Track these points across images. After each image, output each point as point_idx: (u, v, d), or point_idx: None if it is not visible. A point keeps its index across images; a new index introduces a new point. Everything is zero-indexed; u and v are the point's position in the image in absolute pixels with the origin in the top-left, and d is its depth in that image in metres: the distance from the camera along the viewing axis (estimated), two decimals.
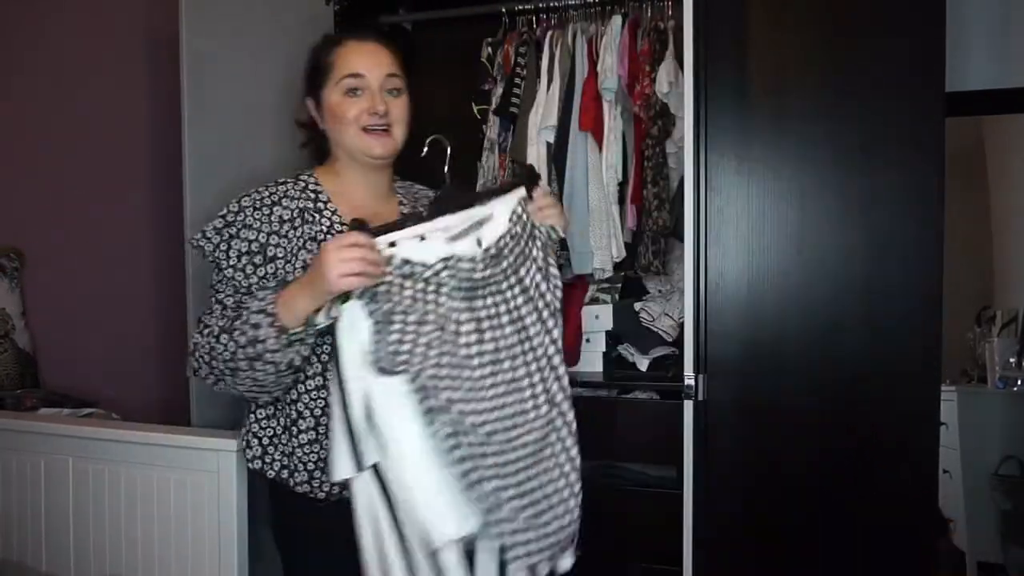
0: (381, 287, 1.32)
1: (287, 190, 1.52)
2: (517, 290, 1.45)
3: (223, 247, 1.46)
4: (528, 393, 1.43)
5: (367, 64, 1.49)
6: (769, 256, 2.13)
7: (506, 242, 1.44)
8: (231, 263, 1.46)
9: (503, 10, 2.51)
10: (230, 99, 2.41)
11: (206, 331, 1.43)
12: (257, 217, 1.47)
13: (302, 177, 1.57)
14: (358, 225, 1.32)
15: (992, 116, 3.59)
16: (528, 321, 1.45)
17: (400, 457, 1.32)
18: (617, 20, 2.38)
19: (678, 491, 2.06)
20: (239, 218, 1.47)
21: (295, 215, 1.49)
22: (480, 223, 1.41)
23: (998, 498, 3.26)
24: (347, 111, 1.49)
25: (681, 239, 2.13)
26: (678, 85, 2.28)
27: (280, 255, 1.47)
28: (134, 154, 2.74)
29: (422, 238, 1.35)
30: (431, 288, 1.36)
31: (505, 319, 1.43)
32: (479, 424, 1.37)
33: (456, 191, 1.48)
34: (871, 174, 2.06)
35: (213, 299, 1.48)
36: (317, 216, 1.51)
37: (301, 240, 1.48)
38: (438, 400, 1.33)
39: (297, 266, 1.46)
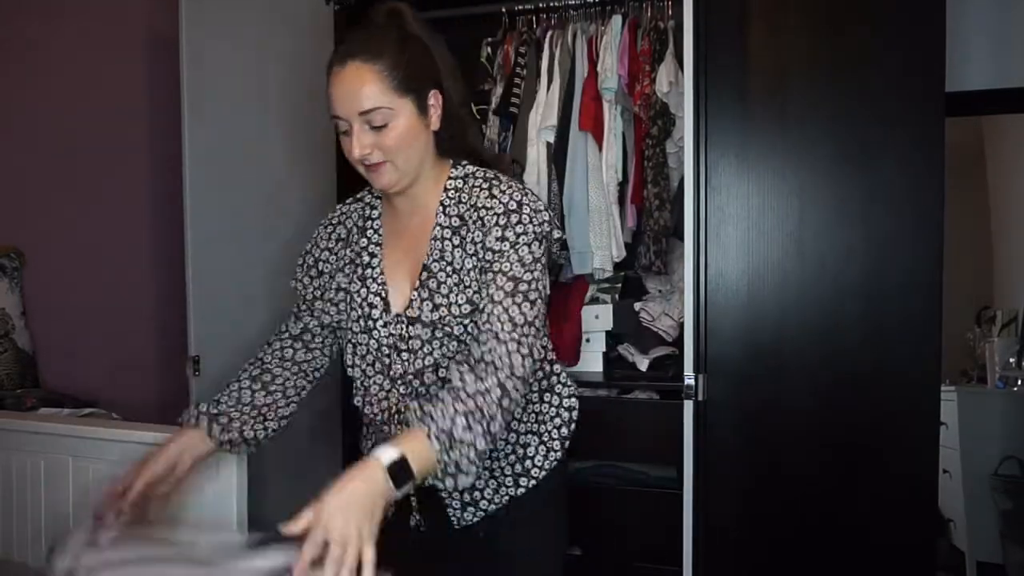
0: None
1: (351, 209, 1.50)
2: None
3: (299, 258, 1.52)
4: None
5: (341, 103, 1.30)
6: (769, 256, 2.13)
7: None
8: (298, 275, 1.51)
9: (503, 10, 2.51)
10: (230, 98, 2.41)
11: (276, 331, 1.52)
12: (322, 236, 1.50)
13: (370, 192, 1.50)
14: None
15: (992, 116, 3.59)
16: None
17: None
18: (617, 20, 2.38)
19: (678, 491, 2.06)
20: (313, 234, 1.52)
21: (347, 234, 1.48)
22: None
23: (998, 498, 3.26)
24: (346, 150, 1.34)
25: (681, 239, 2.13)
26: (678, 85, 2.28)
27: (326, 271, 1.47)
28: (134, 154, 2.74)
29: None
30: None
31: None
32: None
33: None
34: (871, 174, 2.06)
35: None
36: (359, 236, 1.45)
37: (343, 262, 1.46)
38: None
39: (333, 286, 1.45)
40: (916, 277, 2.03)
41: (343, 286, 1.43)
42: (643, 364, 2.43)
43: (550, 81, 2.43)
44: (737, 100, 2.15)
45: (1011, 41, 2.71)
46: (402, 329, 1.35)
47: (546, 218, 1.33)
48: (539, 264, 1.31)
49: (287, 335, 1.51)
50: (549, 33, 2.47)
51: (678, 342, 2.35)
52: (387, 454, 1.11)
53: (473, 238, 1.33)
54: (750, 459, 2.15)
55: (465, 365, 1.23)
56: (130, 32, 2.74)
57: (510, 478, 1.43)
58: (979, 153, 3.97)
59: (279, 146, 2.55)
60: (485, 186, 1.36)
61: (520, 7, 2.49)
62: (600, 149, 2.37)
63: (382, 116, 1.28)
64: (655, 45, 2.35)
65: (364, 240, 1.44)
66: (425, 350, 1.34)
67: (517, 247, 1.29)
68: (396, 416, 1.38)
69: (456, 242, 1.34)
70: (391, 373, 1.37)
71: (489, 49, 2.58)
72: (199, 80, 2.35)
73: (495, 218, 1.31)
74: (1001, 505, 3.24)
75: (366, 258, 1.42)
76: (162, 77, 2.59)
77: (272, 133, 2.54)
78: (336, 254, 1.46)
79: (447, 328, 1.32)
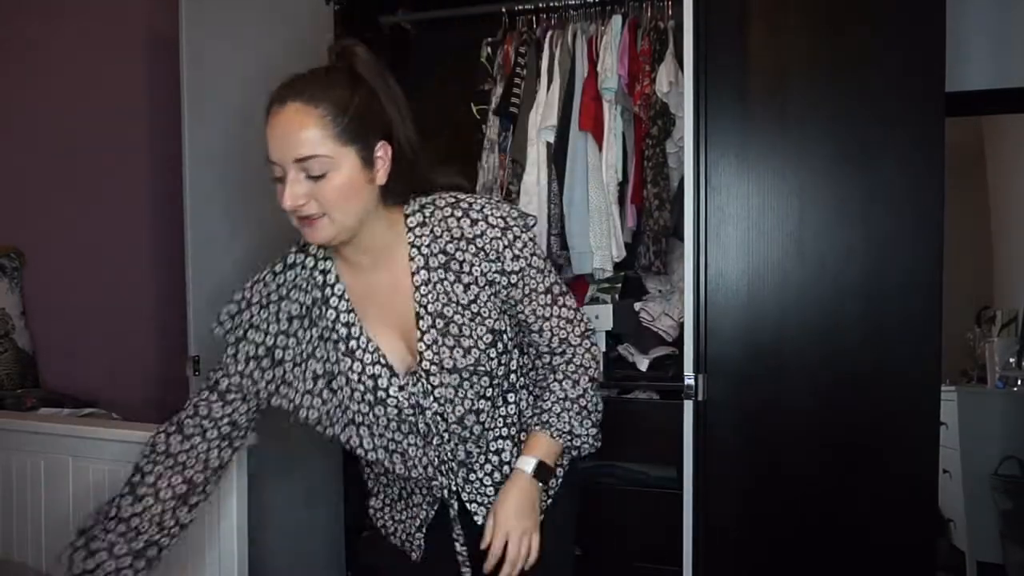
0: None
1: (290, 279, 1.33)
2: None
3: (231, 348, 1.34)
4: None
5: (277, 147, 1.18)
6: (769, 256, 2.13)
7: None
8: (238, 368, 1.32)
9: (503, 10, 2.50)
10: (230, 99, 2.41)
11: (181, 414, 1.35)
12: (264, 317, 1.31)
13: (312, 251, 1.33)
14: None
15: (992, 116, 3.60)
16: None
17: None
18: (617, 20, 2.38)
19: (678, 491, 2.06)
20: (245, 317, 1.33)
21: (304, 310, 1.31)
22: None
23: (998, 498, 3.26)
24: (278, 200, 1.21)
25: (681, 239, 2.13)
26: (678, 85, 2.28)
27: (288, 358, 1.31)
28: (134, 154, 2.74)
29: None
30: None
31: None
32: None
33: None
34: (871, 174, 2.06)
35: (213, 377, 1.36)
36: (324, 308, 1.30)
37: (311, 344, 1.30)
38: None
39: (307, 375, 1.30)
40: (916, 277, 2.03)
41: (319, 373, 1.30)
42: (643, 364, 2.43)
43: (550, 81, 2.43)
44: (737, 100, 2.15)
45: (1011, 41, 2.71)
46: (423, 384, 1.28)
47: (516, 215, 1.32)
48: (546, 260, 1.37)
49: (213, 430, 1.34)
50: (549, 33, 2.47)
51: (678, 342, 2.35)
52: (527, 464, 1.34)
53: (482, 269, 1.27)
54: (750, 459, 2.15)
55: (559, 373, 1.38)
56: (130, 32, 2.74)
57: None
58: (979, 153, 3.97)
59: None
60: (457, 214, 1.28)
61: (520, 7, 2.49)
62: (600, 149, 2.37)
63: (320, 165, 1.17)
64: (655, 45, 2.35)
65: (331, 312, 1.29)
66: (460, 395, 1.29)
67: (528, 259, 1.31)
68: (444, 466, 1.34)
69: (452, 278, 1.27)
70: (422, 430, 1.31)
71: (489, 49, 2.58)
72: (199, 80, 2.34)
73: (497, 243, 1.27)
74: (1001, 505, 3.24)
75: (342, 331, 1.29)
76: (162, 77, 2.59)
77: None
78: (295, 336, 1.30)
79: (482, 367, 1.28)
